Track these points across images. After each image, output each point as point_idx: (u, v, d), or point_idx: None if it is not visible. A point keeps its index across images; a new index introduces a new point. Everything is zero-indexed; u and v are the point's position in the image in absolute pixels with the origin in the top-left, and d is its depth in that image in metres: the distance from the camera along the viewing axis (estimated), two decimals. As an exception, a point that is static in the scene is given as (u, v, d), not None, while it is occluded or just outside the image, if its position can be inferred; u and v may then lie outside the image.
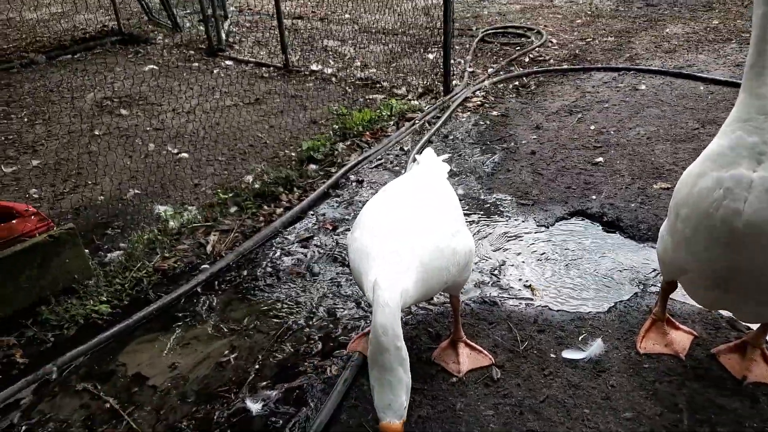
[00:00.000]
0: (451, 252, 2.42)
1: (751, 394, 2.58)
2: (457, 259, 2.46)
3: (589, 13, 9.97)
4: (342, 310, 3.30)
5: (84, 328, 3.22)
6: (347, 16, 10.24)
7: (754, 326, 2.77)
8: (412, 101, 6.28)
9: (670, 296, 2.94)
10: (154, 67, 7.75)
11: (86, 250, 3.64)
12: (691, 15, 9.43)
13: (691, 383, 2.67)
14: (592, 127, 5.43)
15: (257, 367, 2.93)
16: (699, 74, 6.50)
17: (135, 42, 8.87)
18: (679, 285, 2.78)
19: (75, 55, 8.33)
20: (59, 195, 4.61)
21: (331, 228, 4.08)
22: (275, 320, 3.24)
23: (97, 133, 5.68)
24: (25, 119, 6.17)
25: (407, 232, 2.31)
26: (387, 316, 2.01)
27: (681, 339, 2.87)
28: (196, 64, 7.96)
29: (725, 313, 3.05)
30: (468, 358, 2.85)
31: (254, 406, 2.69)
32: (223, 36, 8.54)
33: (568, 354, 2.87)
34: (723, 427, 2.44)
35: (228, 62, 8.03)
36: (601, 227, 3.96)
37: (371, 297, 2.12)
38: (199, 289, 3.50)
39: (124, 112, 6.30)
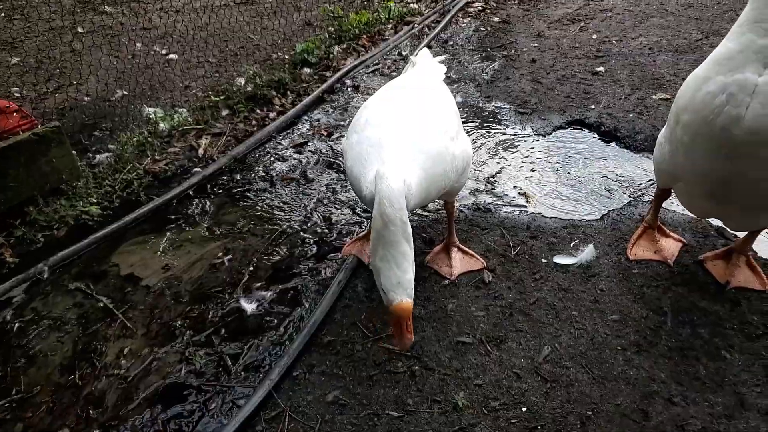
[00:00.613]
0: (451, 157, 2.37)
1: (733, 298, 2.65)
2: (456, 164, 2.42)
3: None
4: (337, 215, 3.30)
5: (74, 228, 3.21)
6: None
7: (742, 234, 2.79)
8: (412, 4, 6.02)
9: (662, 205, 2.95)
10: (139, -38, 7.31)
11: (74, 151, 3.56)
12: None
13: (677, 288, 2.73)
14: (594, 36, 5.25)
15: (251, 268, 2.95)
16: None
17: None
18: (671, 193, 2.77)
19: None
20: (42, 94, 4.46)
21: (326, 134, 4.00)
22: (269, 224, 3.23)
23: (80, 30, 5.43)
24: (2, 14, 5.86)
25: (408, 134, 2.24)
26: (392, 190, 1.98)
27: (670, 246, 2.91)
28: (183, -39, 7.50)
29: (715, 221, 3.08)
30: (460, 262, 2.88)
31: (249, 306, 2.73)
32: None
33: (560, 259, 2.91)
34: (703, 328, 2.52)
35: (216, -41, 7.57)
36: (598, 137, 3.91)
37: (372, 192, 2.08)
38: (191, 192, 3.47)
39: (108, 9, 6.01)
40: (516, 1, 6.20)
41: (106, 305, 2.77)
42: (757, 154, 2.06)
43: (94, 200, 3.38)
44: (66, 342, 2.60)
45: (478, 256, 2.90)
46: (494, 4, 6.10)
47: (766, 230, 2.91)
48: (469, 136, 3.85)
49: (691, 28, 5.28)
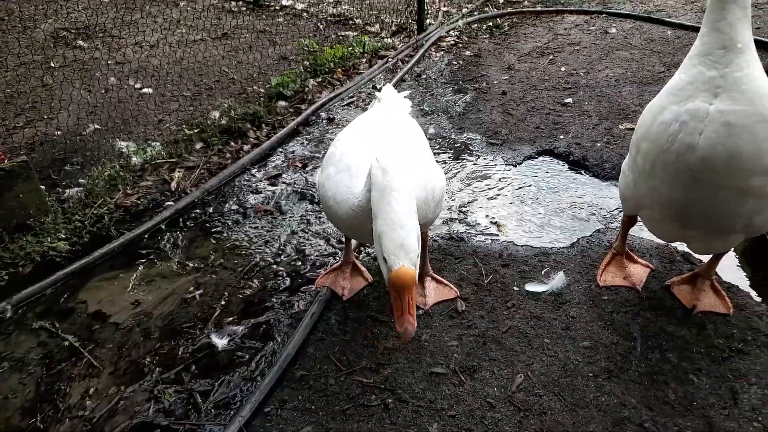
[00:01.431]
0: (431, 186, 2.42)
1: (699, 322, 2.69)
2: (435, 195, 2.46)
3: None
4: (310, 247, 3.30)
5: (41, 265, 3.14)
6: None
7: (706, 258, 2.85)
8: (386, 39, 6.13)
9: (630, 231, 3.01)
10: (114, -2, 7.37)
11: (42, 186, 3.52)
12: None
13: (645, 313, 2.76)
14: (563, 69, 5.40)
15: (223, 303, 2.92)
16: (667, 19, 6.51)
17: (93, -29, 8.38)
18: (638, 220, 2.83)
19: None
20: (12, 129, 4.42)
21: (300, 165, 4.02)
22: (242, 257, 3.21)
23: (53, 65, 5.42)
24: (-28, 50, 5.84)
25: None
26: (390, 163, 1.94)
27: (638, 272, 2.96)
28: (160, -4, 7.59)
29: (681, 247, 3.14)
30: (434, 291, 2.89)
31: (220, 342, 2.69)
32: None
33: (531, 287, 2.93)
34: (671, 353, 2.55)
35: (193, -5, 7.68)
36: (567, 166, 4.00)
37: (366, 193, 2.05)
38: (163, 226, 3.44)
39: (82, 44, 6.01)
40: (487, 36, 6.37)
41: (72, 344, 2.70)
42: (713, 180, 2.13)
43: (63, 236, 3.33)
44: (28, 383, 2.52)
45: (451, 285, 2.92)
46: (466, 39, 6.25)
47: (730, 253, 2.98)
48: (442, 166, 3.90)
49: (654, 60, 5.47)
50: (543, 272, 3.01)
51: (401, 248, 1.83)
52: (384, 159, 2.02)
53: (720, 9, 2.07)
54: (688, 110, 2.12)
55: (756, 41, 5.65)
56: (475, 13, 6.97)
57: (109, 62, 5.58)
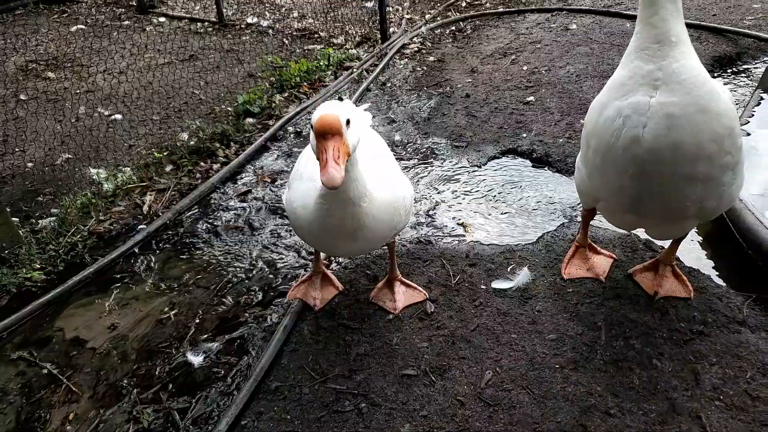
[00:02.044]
0: (401, 195, 2.50)
1: (661, 308, 2.78)
2: (404, 203, 2.54)
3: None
4: (282, 260, 3.35)
5: (17, 296, 3.18)
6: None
7: (667, 244, 2.94)
8: (350, 50, 6.22)
9: (591, 224, 3.10)
10: (82, 27, 7.41)
11: (15, 219, 3.56)
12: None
13: (609, 302, 2.85)
14: (525, 68, 5.51)
15: (198, 321, 2.96)
16: (626, 12, 6.64)
17: (60, 1, 8.42)
18: (597, 212, 2.92)
19: (-6, 18, 7.87)
20: (-16, 165, 4.45)
21: (269, 180, 4.08)
22: (215, 275, 3.26)
23: (23, 98, 5.45)
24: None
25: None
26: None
27: (601, 263, 3.04)
28: (128, 22, 7.64)
29: (642, 235, 3.23)
30: (404, 296, 2.95)
31: (196, 359, 2.74)
32: (153, -9, 8.19)
33: (497, 284, 3.01)
34: (635, 340, 2.63)
35: (161, 19, 7.74)
36: (531, 163, 4.09)
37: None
38: (136, 250, 3.48)
39: (51, 75, 6.04)
40: (450, 40, 6.47)
41: (51, 371, 2.73)
42: (661, 171, 2.22)
43: (38, 266, 3.36)
44: (8, 413, 2.55)
45: (420, 288, 2.98)
46: (429, 45, 6.35)
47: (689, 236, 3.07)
48: (408, 172, 4.00)
49: (614, 54, 5.60)
50: (509, 269, 3.09)
51: (325, 106, 1.95)
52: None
53: (652, 5, 2.15)
54: (630, 104, 2.20)
55: (713, 28, 5.62)
56: (438, 18, 7.07)
57: (78, 91, 5.61)
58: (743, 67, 5.35)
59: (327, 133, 1.88)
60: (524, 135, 4.35)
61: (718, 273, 3.09)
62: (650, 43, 2.17)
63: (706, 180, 2.23)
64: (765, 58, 5.41)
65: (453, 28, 6.79)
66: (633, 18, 6.38)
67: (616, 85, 2.30)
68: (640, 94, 2.18)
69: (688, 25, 5.63)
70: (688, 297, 2.81)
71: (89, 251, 3.49)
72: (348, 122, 1.95)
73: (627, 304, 2.83)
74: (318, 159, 1.92)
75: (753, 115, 4.15)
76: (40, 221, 3.74)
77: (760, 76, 4.79)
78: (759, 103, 4.30)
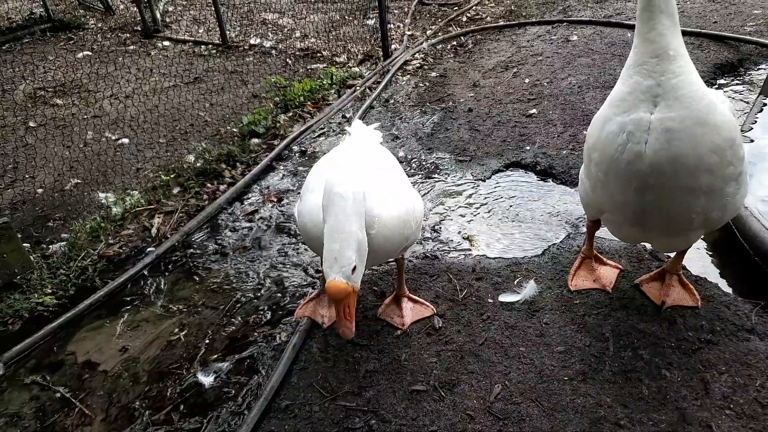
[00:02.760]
0: (411, 207, 2.54)
1: (669, 317, 2.78)
2: (415, 215, 2.58)
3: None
4: (289, 279, 3.38)
5: (29, 321, 3.22)
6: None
7: (673, 254, 2.94)
8: (353, 68, 6.29)
9: (597, 234, 3.11)
10: (89, 53, 7.54)
11: (26, 244, 3.61)
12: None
13: (617, 313, 2.85)
14: (527, 81, 5.55)
15: (207, 341, 2.99)
16: (626, 22, 6.68)
17: (66, 28, 8.58)
18: (601, 223, 2.92)
19: (2, 47, 8.01)
20: (-5, 192, 4.52)
21: (276, 200, 4.12)
22: (224, 295, 3.29)
23: (32, 125, 5.54)
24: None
25: (372, 182, 2.34)
26: (344, 175, 2.11)
27: (608, 274, 3.04)
28: (133, 47, 7.77)
29: (648, 245, 3.23)
30: (411, 311, 2.96)
31: (206, 380, 2.76)
32: (159, 16, 8.32)
33: (505, 298, 3.02)
34: (643, 350, 2.63)
35: (165, 43, 7.86)
36: (535, 176, 4.11)
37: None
38: (145, 272, 3.52)
39: (59, 101, 6.14)
40: (452, 55, 6.53)
41: (64, 395, 2.76)
42: (664, 184, 2.23)
43: (49, 290, 3.41)
44: (23, 438, 2.58)
45: (427, 303, 3.00)
46: (431, 60, 6.42)
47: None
48: (413, 187, 4.03)
49: (615, 64, 5.63)
50: (516, 282, 3.10)
51: (335, 262, 2.02)
52: (335, 173, 2.16)
53: (649, 20, 2.18)
54: (632, 120, 2.21)
55: (714, 35, 5.61)
56: (439, 34, 7.15)
57: (85, 117, 5.70)
58: (745, 73, 5.36)
59: (335, 299, 2.07)
60: (528, 147, 4.37)
61: (725, 281, 3.09)
62: (648, 57, 2.19)
63: (709, 191, 2.25)
64: (767, 64, 5.43)
65: (454, 43, 6.86)
66: (633, 27, 6.41)
67: (617, 100, 2.31)
68: (641, 111, 2.20)
69: (689, 34, 5.76)
70: (695, 306, 2.81)
71: (99, 275, 3.53)
72: (354, 268, 2.07)
73: (634, 315, 2.83)
74: (335, 311, 2.15)
75: (756, 121, 4.16)
76: (50, 246, 3.79)
77: (762, 82, 4.80)
78: (762, 110, 4.30)
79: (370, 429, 2.42)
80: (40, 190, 4.47)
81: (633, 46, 2.29)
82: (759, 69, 5.38)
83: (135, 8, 8.45)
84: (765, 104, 4.36)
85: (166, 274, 3.51)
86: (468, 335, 2.82)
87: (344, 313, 2.09)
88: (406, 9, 8.22)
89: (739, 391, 2.40)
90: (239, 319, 3.12)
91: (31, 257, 3.56)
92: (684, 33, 2.31)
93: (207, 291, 3.34)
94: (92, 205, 4.23)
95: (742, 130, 3.23)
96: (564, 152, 4.24)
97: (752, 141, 3.92)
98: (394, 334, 2.88)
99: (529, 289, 3.01)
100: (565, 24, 6.92)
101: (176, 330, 3.08)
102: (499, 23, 7.28)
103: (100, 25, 8.74)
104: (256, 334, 3.00)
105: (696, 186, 2.21)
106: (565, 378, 2.54)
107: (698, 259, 3.25)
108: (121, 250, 3.74)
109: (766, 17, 6.37)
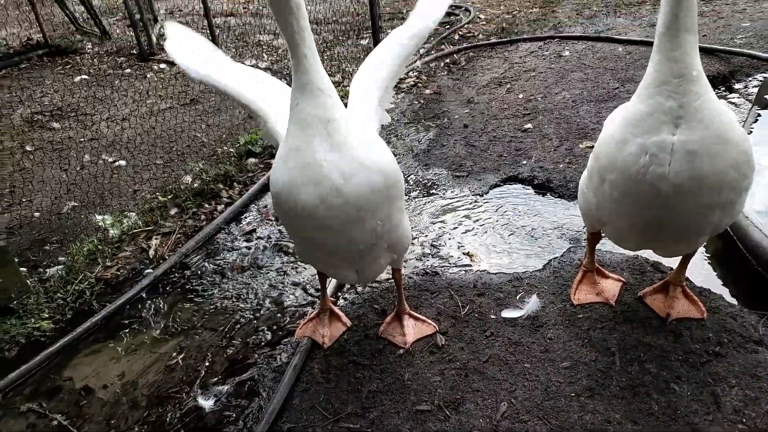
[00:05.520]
0: (398, 237, 2.53)
1: (675, 330, 2.75)
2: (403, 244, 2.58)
3: (517, -15, 10.16)
4: (289, 298, 3.34)
5: (26, 347, 3.16)
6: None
7: (676, 264, 2.91)
8: (347, 87, 6.30)
9: (598, 247, 3.09)
10: (85, 77, 7.56)
11: (23, 269, 3.57)
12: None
13: (621, 326, 2.82)
14: (521, 96, 5.58)
15: (207, 364, 2.94)
16: (617, 36, 6.75)
17: (63, 53, 8.61)
18: (602, 235, 2.91)
19: (0, 71, 8.03)
20: (-9, 216, 4.48)
21: (273, 219, 4.10)
22: (223, 316, 3.25)
23: (28, 149, 5.52)
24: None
25: None
26: None
27: (611, 287, 3.02)
28: (129, 70, 7.79)
29: (651, 257, 3.22)
30: (413, 329, 2.92)
31: (206, 403, 2.71)
32: (154, 39, 8.37)
33: (507, 313, 2.98)
34: (650, 364, 2.59)
35: (162, 65, 7.89)
36: (532, 190, 4.10)
37: None
38: (143, 295, 3.48)
39: (56, 125, 6.13)
40: (445, 72, 6.58)
41: (61, 422, 2.70)
42: (686, 201, 2.21)
43: (46, 315, 3.36)
44: (19, 468, 2.52)
45: (429, 321, 2.96)
46: (425, 78, 6.45)
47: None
48: (410, 203, 4.02)
49: (608, 78, 5.67)
50: (518, 297, 3.07)
51: None
52: None
53: (674, 38, 2.09)
54: (654, 143, 2.17)
55: (705, 48, 5.66)
56: (432, 51, 7.20)
57: (82, 140, 5.69)
58: (737, 85, 5.41)
59: None
60: (524, 162, 4.38)
61: (728, 291, 3.07)
62: (671, 77, 2.12)
63: (725, 204, 2.25)
64: (758, 75, 5.47)
65: (447, 60, 6.91)
66: (624, 42, 6.51)
67: (635, 120, 2.25)
68: (664, 133, 2.16)
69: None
70: (701, 318, 2.78)
71: (97, 298, 3.49)
72: None
73: (639, 328, 2.80)
74: None
75: (751, 132, 4.18)
76: (47, 270, 3.75)
77: (755, 93, 4.84)
78: (756, 120, 4.33)
79: (374, 451, 2.37)
80: (37, 214, 4.43)
81: (652, 62, 2.20)
82: (750, 80, 5.42)
83: (131, 32, 8.50)
84: (759, 115, 4.38)
85: (165, 296, 3.47)
86: (472, 352, 2.79)
87: None
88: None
89: (751, 405, 2.36)
90: (239, 340, 3.07)
91: (28, 281, 3.52)
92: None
93: (206, 312, 3.30)
94: (89, 227, 4.19)
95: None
96: (561, 166, 4.24)
97: (748, 152, 3.93)
98: (396, 353, 2.84)
99: (532, 304, 2.99)
100: (556, 40, 6.99)
101: (175, 353, 3.03)
102: (491, 40, 7.35)
103: (96, 49, 8.78)
104: (256, 355, 2.96)
105: (716, 201, 2.21)
106: (572, 394, 2.50)
107: (701, 271, 3.23)
108: (119, 273, 3.70)
109: (755, 30, 6.44)
